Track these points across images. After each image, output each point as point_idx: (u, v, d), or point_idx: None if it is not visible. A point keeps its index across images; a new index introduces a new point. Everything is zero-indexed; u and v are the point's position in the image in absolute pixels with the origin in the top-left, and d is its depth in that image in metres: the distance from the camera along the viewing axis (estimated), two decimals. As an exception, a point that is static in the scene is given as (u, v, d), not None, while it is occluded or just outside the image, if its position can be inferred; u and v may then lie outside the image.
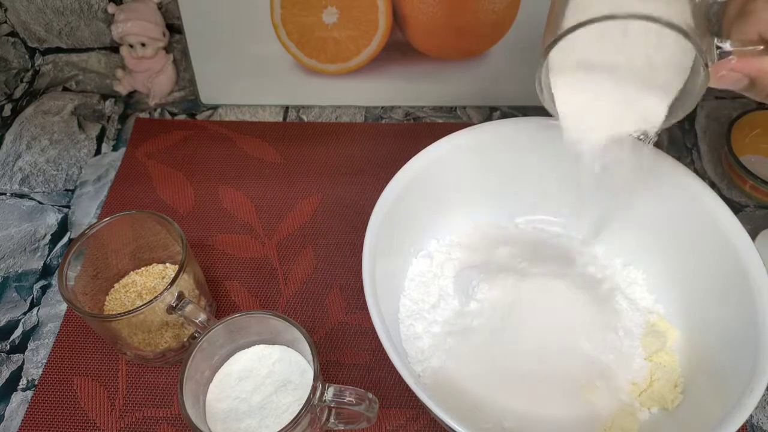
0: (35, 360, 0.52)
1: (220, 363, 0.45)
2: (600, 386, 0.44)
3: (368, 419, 0.43)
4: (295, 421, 0.39)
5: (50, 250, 0.59)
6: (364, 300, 0.40)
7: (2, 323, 0.54)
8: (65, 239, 0.60)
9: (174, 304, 0.45)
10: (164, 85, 0.70)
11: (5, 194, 0.63)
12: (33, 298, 0.56)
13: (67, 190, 0.64)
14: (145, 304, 0.44)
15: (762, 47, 0.34)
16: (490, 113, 0.69)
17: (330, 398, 0.41)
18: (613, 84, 0.38)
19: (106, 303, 0.51)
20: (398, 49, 0.65)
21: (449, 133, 0.49)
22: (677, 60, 0.36)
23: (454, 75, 0.67)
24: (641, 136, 0.39)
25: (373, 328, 0.39)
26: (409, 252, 0.51)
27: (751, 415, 0.48)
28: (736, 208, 0.59)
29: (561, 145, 0.47)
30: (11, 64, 0.75)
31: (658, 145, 0.39)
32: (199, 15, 0.63)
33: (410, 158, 0.48)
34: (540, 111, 0.43)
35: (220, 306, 0.54)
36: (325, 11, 0.62)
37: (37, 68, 0.75)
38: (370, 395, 0.42)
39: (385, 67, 0.66)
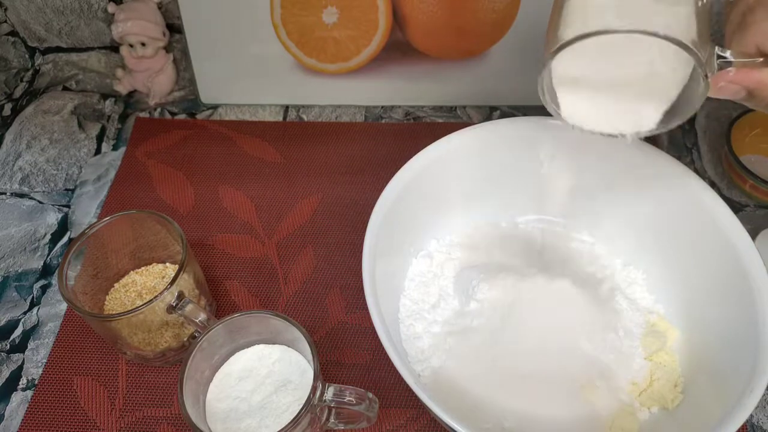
0: (35, 359, 0.52)
1: (220, 363, 0.45)
2: (600, 386, 0.44)
3: (368, 419, 0.43)
4: (295, 421, 0.39)
5: (50, 250, 0.59)
6: (364, 300, 0.40)
7: (2, 323, 0.54)
8: (65, 239, 0.60)
9: (174, 304, 0.45)
10: (164, 85, 0.70)
11: (5, 194, 0.63)
12: (33, 297, 0.56)
13: (67, 189, 0.64)
14: (145, 303, 0.44)
15: (761, 59, 0.34)
16: (490, 113, 0.69)
17: (330, 398, 0.41)
18: (610, 92, 0.38)
19: (106, 303, 0.51)
20: (398, 49, 0.65)
21: (449, 133, 0.49)
22: (677, 68, 0.36)
23: (454, 75, 0.67)
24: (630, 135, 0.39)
25: (373, 328, 0.39)
26: (409, 252, 0.51)
27: (751, 415, 0.48)
28: (736, 208, 0.59)
29: (561, 145, 0.48)
30: (11, 63, 0.75)
31: (658, 145, 0.39)
32: (199, 15, 0.63)
33: (410, 158, 0.48)
34: (540, 111, 0.43)
35: (220, 306, 0.54)
36: (325, 11, 0.62)
37: (37, 68, 0.75)
38: (370, 395, 0.42)
39: (385, 67, 0.66)
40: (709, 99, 0.35)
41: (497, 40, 0.63)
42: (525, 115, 0.67)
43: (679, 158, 0.48)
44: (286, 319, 0.42)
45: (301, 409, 0.39)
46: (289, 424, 0.38)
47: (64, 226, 0.61)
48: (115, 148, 0.67)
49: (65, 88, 0.73)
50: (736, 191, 0.61)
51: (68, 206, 0.62)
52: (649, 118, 0.38)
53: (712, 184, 0.62)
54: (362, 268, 0.42)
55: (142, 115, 0.70)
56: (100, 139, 0.68)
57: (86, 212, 0.61)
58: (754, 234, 0.54)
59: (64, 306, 0.55)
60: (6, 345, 0.53)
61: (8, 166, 0.65)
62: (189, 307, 0.45)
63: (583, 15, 0.34)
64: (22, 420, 0.48)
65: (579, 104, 0.39)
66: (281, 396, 0.43)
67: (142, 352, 0.49)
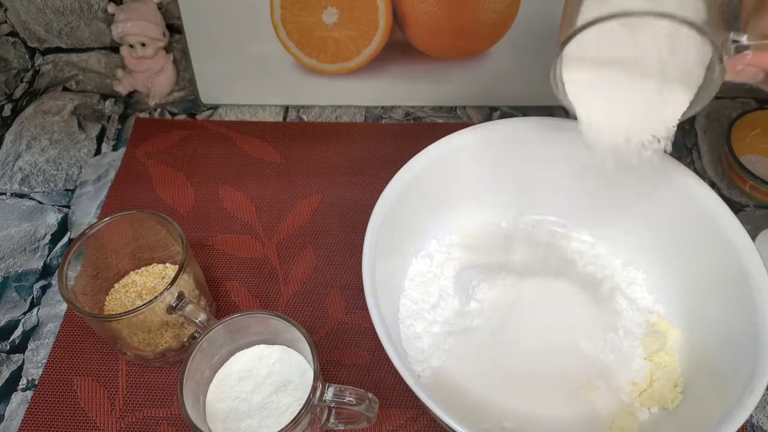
0: (35, 360, 0.52)
1: (220, 363, 0.45)
2: (600, 386, 0.44)
3: (368, 419, 0.43)
4: (295, 421, 0.39)
5: (50, 250, 0.59)
6: (364, 300, 0.40)
7: (2, 323, 0.54)
8: (65, 239, 0.60)
9: (174, 304, 0.45)
10: (164, 85, 0.70)
11: (5, 194, 0.63)
12: (33, 298, 0.56)
13: (67, 189, 0.64)
14: (145, 304, 0.44)
15: None
16: (490, 113, 0.69)
17: (330, 398, 0.41)
18: (630, 84, 0.38)
19: (106, 303, 0.51)
20: (398, 49, 0.65)
21: (449, 133, 0.49)
22: (696, 54, 0.36)
23: (454, 75, 0.67)
24: (655, 140, 0.39)
25: (373, 328, 0.39)
26: (409, 252, 0.51)
27: (751, 415, 0.48)
28: (736, 208, 0.59)
29: (561, 145, 0.48)
30: (11, 64, 0.75)
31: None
32: (199, 15, 0.63)
33: (410, 158, 0.48)
34: (540, 111, 0.43)
35: (220, 306, 0.54)
36: (325, 11, 0.62)
37: (37, 68, 0.75)
38: (370, 395, 0.42)
39: (385, 67, 0.66)
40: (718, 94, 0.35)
41: (497, 40, 0.63)
42: (525, 115, 0.67)
43: (679, 158, 0.48)
44: (286, 320, 0.42)
45: (301, 410, 0.39)
46: (289, 424, 0.38)
47: (64, 226, 0.61)
48: (115, 148, 0.67)
49: (65, 89, 0.73)
50: (736, 191, 0.61)
51: (68, 206, 0.62)
52: (675, 111, 0.38)
53: (712, 184, 0.62)
54: (362, 268, 0.42)
55: (142, 115, 0.70)
56: (100, 139, 0.68)
57: (86, 212, 0.61)
58: (754, 234, 0.54)
59: (64, 306, 0.55)
60: (6, 345, 0.53)
61: (8, 166, 0.65)
62: (189, 308, 0.45)
63: (596, 6, 0.33)
64: (22, 420, 0.48)
65: (596, 107, 0.39)
66: (281, 396, 0.43)
67: (142, 353, 0.49)
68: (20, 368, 0.52)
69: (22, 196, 0.63)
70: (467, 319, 0.47)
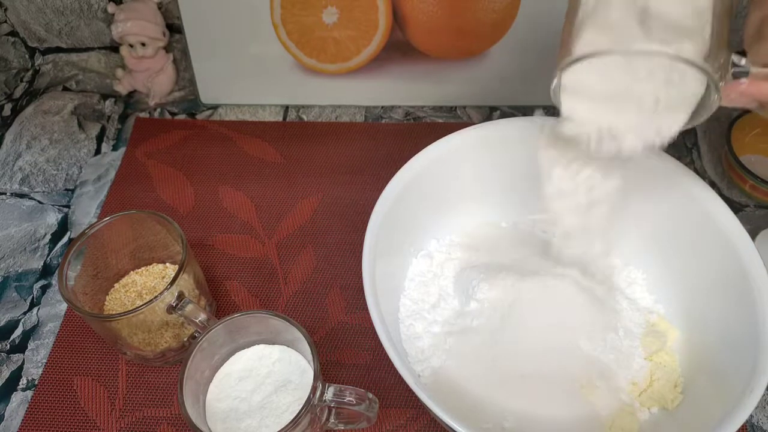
0: (35, 360, 0.52)
1: (220, 363, 0.45)
2: (600, 386, 0.44)
3: (368, 419, 0.43)
4: (295, 421, 0.39)
5: (50, 250, 0.59)
6: (364, 300, 0.40)
7: (2, 323, 0.54)
8: (65, 239, 0.60)
9: (174, 304, 0.45)
10: (164, 85, 0.70)
11: (5, 194, 0.63)
12: (33, 297, 0.56)
13: (67, 189, 0.64)
14: (145, 303, 0.44)
15: None
16: (490, 113, 0.69)
17: (330, 398, 0.41)
18: (628, 106, 0.37)
19: (106, 303, 0.51)
20: (398, 49, 0.65)
21: (449, 133, 0.49)
22: (693, 82, 0.36)
23: (454, 75, 0.67)
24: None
25: (373, 328, 0.39)
26: (409, 252, 0.51)
27: (751, 415, 0.48)
28: (736, 208, 0.59)
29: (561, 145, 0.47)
30: (11, 63, 0.75)
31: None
32: (199, 15, 0.63)
33: (410, 158, 0.48)
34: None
35: (220, 306, 0.54)
36: (325, 11, 0.62)
37: (37, 68, 0.75)
38: (370, 395, 0.42)
39: (385, 67, 0.66)
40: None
41: (497, 40, 0.63)
42: (525, 115, 0.67)
43: (679, 158, 0.48)
44: (286, 319, 0.42)
45: (301, 409, 0.39)
46: (289, 424, 0.38)
47: (64, 226, 0.61)
48: (115, 148, 0.67)
49: (65, 89, 0.73)
50: (736, 191, 0.61)
51: (68, 206, 0.62)
52: (670, 131, 0.38)
53: (712, 184, 0.62)
54: (362, 268, 0.42)
55: (142, 115, 0.70)
56: (100, 139, 0.68)
57: (86, 212, 0.62)
58: (754, 234, 0.54)
59: (64, 306, 0.55)
60: (6, 345, 0.53)
61: (8, 166, 0.65)
62: (189, 307, 0.45)
63: (594, 26, 0.33)
64: (22, 420, 0.48)
65: (594, 126, 0.39)
66: (281, 396, 0.43)
67: (142, 352, 0.49)
68: (20, 368, 0.52)
69: (22, 195, 0.63)
70: (467, 319, 0.47)
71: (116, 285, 0.51)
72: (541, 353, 0.45)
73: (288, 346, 0.45)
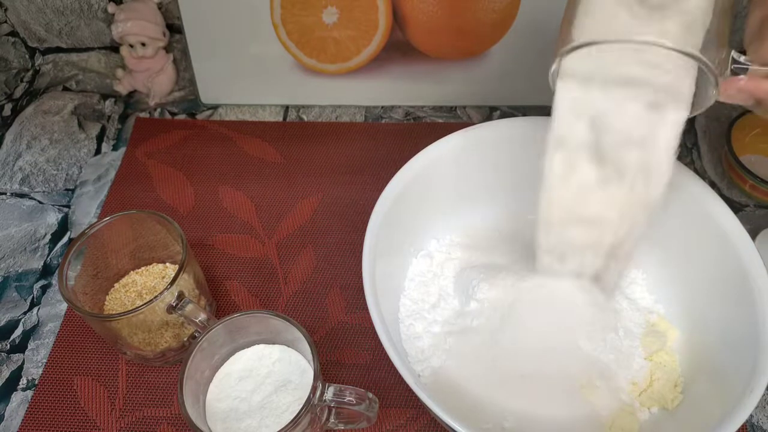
0: (35, 360, 0.52)
1: (220, 363, 0.45)
2: (600, 386, 0.44)
3: (368, 419, 0.43)
4: (295, 421, 0.39)
5: (50, 250, 0.59)
6: (364, 300, 0.40)
7: (2, 323, 0.54)
8: (65, 239, 0.60)
9: (174, 304, 0.45)
10: (164, 85, 0.70)
11: (5, 194, 0.63)
12: (33, 297, 0.56)
13: (67, 189, 0.64)
14: (145, 303, 0.44)
15: None
16: (490, 113, 0.69)
17: (330, 398, 0.41)
18: (625, 91, 0.37)
19: (106, 303, 0.51)
20: (398, 49, 0.65)
21: (449, 133, 0.49)
22: (688, 72, 0.36)
23: (454, 75, 0.67)
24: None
25: (373, 328, 0.39)
26: (409, 252, 0.51)
27: (751, 415, 0.48)
28: (736, 208, 0.59)
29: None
30: (11, 63, 0.75)
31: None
32: (199, 15, 0.63)
33: (410, 158, 0.48)
34: (540, 110, 0.43)
35: (220, 306, 0.54)
36: (325, 11, 0.62)
37: (37, 68, 0.75)
38: (370, 395, 0.42)
39: (385, 67, 0.66)
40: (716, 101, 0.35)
41: (497, 40, 0.63)
42: (525, 115, 0.67)
43: (679, 158, 0.48)
44: (286, 319, 0.42)
45: (301, 409, 0.39)
46: (289, 424, 0.38)
47: (64, 226, 0.61)
48: (115, 148, 0.67)
49: (65, 89, 0.73)
50: (736, 191, 0.61)
51: (68, 206, 0.62)
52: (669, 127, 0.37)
53: (712, 184, 0.62)
54: (362, 268, 0.42)
55: (142, 115, 0.70)
56: (100, 139, 0.68)
57: (86, 212, 0.62)
58: (754, 234, 0.54)
59: (64, 306, 0.55)
60: (6, 345, 0.53)
61: (8, 166, 0.65)
62: (189, 307, 0.45)
63: (595, 14, 0.33)
64: (22, 420, 0.48)
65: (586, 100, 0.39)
66: (281, 396, 0.43)
67: (142, 352, 0.49)
68: (20, 368, 0.52)
69: (22, 195, 0.63)
70: (467, 319, 0.47)
71: (116, 285, 0.51)
72: (541, 353, 0.45)
73: (288, 346, 0.45)
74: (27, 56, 0.75)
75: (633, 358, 0.46)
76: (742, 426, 0.46)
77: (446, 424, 0.36)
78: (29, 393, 0.50)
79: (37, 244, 0.59)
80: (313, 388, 0.40)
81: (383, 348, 0.38)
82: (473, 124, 0.52)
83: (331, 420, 0.44)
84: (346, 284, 0.55)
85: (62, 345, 0.52)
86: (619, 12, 0.33)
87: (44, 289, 0.56)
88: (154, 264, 0.53)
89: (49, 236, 0.60)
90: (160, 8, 0.68)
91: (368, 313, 0.40)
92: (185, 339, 0.50)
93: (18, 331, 0.54)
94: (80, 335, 0.53)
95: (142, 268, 0.52)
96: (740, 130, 0.61)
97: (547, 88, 0.38)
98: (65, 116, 0.70)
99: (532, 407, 0.44)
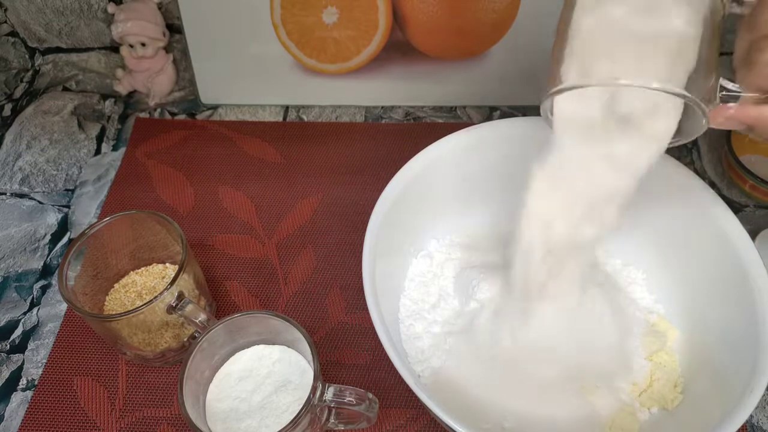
0: (35, 360, 0.52)
1: (220, 363, 0.45)
2: (600, 386, 0.44)
3: (368, 419, 0.43)
4: (295, 421, 0.39)
5: (50, 250, 0.59)
6: (364, 300, 0.40)
7: (2, 323, 0.54)
8: (65, 239, 0.60)
9: (174, 304, 0.45)
10: (164, 85, 0.70)
11: (5, 194, 0.63)
12: (33, 298, 0.56)
13: (67, 189, 0.64)
14: (145, 304, 0.44)
15: (764, 96, 0.34)
16: (490, 113, 0.69)
17: (330, 398, 0.41)
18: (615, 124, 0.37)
19: (106, 303, 0.51)
20: (398, 49, 0.65)
21: (449, 133, 0.49)
22: (675, 104, 0.36)
23: (454, 75, 0.67)
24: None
25: (373, 328, 0.39)
26: (409, 252, 0.51)
27: (751, 415, 0.48)
28: (736, 208, 0.59)
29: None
30: (11, 64, 0.75)
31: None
32: (199, 15, 0.63)
33: (410, 158, 0.48)
34: (540, 111, 0.43)
35: (220, 306, 0.54)
36: (325, 11, 0.62)
37: (37, 68, 0.75)
38: (370, 395, 0.42)
39: (385, 67, 0.66)
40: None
41: (497, 41, 0.63)
42: (525, 115, 0.67)
43: (679, 158, 0.48)
44: (286, 320, 0.42)
45: (301, 409, 0.39)
46: (289, 424, 0.38)
47: (64, 226, 0.61)
48: (115, 148, 0.67)
49: (65, 89, 0.73)
50: (736, 191, 0.61)
51: (68, 206, 0.62)
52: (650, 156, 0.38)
53: (712, 184, 0.62)
54: (362, 268, 0.42)
55: (142, 115, 0.70)
56: (100, 139, 0.68)
57: (86, 212, 0.62)
58: (754, 234, 0.54)
59: (64, 306, 0.55)
60: (6, 345, 0.53)
61: (8, 166, 0.65)
62: (189, 308, 0.45)
63: (583, 55, 0.34)
64: (22, 420, 0.48)
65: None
66: (281, 396, 0.43)
67: (142, 353, 0.49)
68: (20, 368, 0.52)
69: (22, 196, 0.63)
70: (467, 319, 0.47)
71: (116, 285, 0.51)
72: (540, 353, 0.45)
73: (288, 347, 0.45)
74: (27, 56, 0.75)
75: (633, 358, 0.46)
76: (742, 426, 0.46)
77: (446, 425, 0.36)
78: (29, 393, 0.50)
79: (37, 245, 0.59)
80: (313, 389, 0.40)
81: (383, 348, 0.38)
82: (473, 124, 0.52)
83: (331, 420, 0.44)
84: (346, 284, 0.55)
85: (62, 345, 0.52)
86: (604, 55, 0.33)
87: (44, 289, 0.56)
88: (154, 264, 0.53)
89: (49, 236, 0.60)
90: (160, 8, 0.68)
91: (368, 313, 0.40)
92: (185, 339, 0.50)
93: (18, 332, 0.54)
94: (80, 335, 0.53)
95: (142, 268, 0.52)
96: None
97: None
98: (65, 116, 0.70)
99: (532, 407, 0.44)
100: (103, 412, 0.49)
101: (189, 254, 0.47)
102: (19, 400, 0.50)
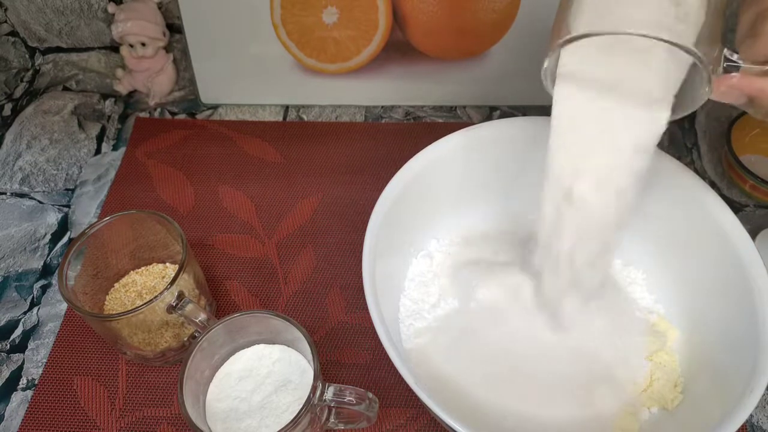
0: (35, 359, 0.52)
1: (220, 363, 0.45)
2: (600, 386, 0.44)
3: (368, 419, 0.43)
4: (295, 421, 0.39)
5: (50, 250, 0.59)
6: (364, 300, 0.40)
7: (2, 323, 0.54)
8: (65, 239, 0.60)
9: (174, 304, 0.45)
10: (164, 85, 0.70)
11: (5, 194, 0.63)
12: (33, 297, 0.56)
13: (67, 189, 0.64)
14: (145, 303, 0.44)
15: (767, 68, 0.34)
16: (490, 113, 0.69)
17: (330, 398, 0.41)
18: (614, 97, 0.37)
19: (106, 302, 0.51)
20: (398, 49, 0.65)
21: (449, 133, 0.49)
22: (677, 69, 0.36)
23: (454, 75, 0.67)
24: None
25: (373, 328, 0.39)
26: (409, 252, 0.51)
27: (751, 415, 0.48)
28: (736, 208, 0.59)
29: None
30: (11, 63, 0.75)
31: (658, 144, 0.39)
32: (199, 15, 0.63)
33: (410, 158, 0.48)
34: (540, 110, 0.43)
35: (220, 306, 0.54)
36: (325, 11, 0.62)
37: (38, 68, 0.75)
38: (370, 395, 0.42)
39: (385, 67, 0.66)
40: (709, 99, 0.35)
41: (497, 41, 0.63)
42: (525, 115, 0.67)
43: (679, 158, 0.48)
44: (286, 319, 0.42)
45: (301, 409, 0.39)
46: (289, 423, 0.38)
47: (64, 226, 0.61)
48: (115, 148, 0.67)
49: (65, 88, 0.73)
50: (736, 191, 0.61)
51: (68, 206, 0.62)
52: (655, 129, 0.37)
53: (712, 184, 0.62)
54: (362, 268, 0.42)
55: (142, 115, 0.70)
56: (100, 139, 0.68)
57: (86, 212, 0.62)
58: (754, 234, 0.54)
59: (64, 306, 0.55)
60: (6, 345, 0.53)
61: (8, 166, 0.65)
62: (189, 307, 0.45)
63: (593, 6, 0.33)
64: (22, 420, 0.48)
65: (578, 124, 0.39)
66: (281, 396, 0.43)
67: (142, 352, 0.49)
68: (20, 368, 0.52)
69: (22, 195, 0.63)
70: (467, 319, 0.47)
71: (116, 285, 0.51)
72: (541, 353, 0.45)
73: (288, 346, 0.45)
74: (27, 56, 0.75)
75: (633, 358, 0.46)
76: (742, 426, 0.46)
77: (446, 424, 0.36)
78: (29, 393, 0.50)
79: (37, 244, 0.59)
80: (313, 388, 0.40)
81: (383, 348, 0.38)
82: (473, 124, 0.52)
83: (331, 420, 0.44)
84: (346, 284, 0.55)
85: (62, 345, 0.52)
86: (615, 7, 0.33)
87: (44, 289, 0.56)
88: (154, 264, 0.53)
89: (49, 236, 0.60)
90: (160, 8, 0.68)
91: (368, 313, 0.40)
92: (185, 339, 0.50)
93: (18, 331, 0.54)
94: (80, 335, 0.53)
95: (142, 268, 0.52)
96: (740, 130, 0.61)
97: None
98: (65, 116, 0.70)
99: (532, 407, 0.44)
100: (103, 412, 0.49)
101: (189, 254, 0.47)
102: (19, 400, 0.50)
